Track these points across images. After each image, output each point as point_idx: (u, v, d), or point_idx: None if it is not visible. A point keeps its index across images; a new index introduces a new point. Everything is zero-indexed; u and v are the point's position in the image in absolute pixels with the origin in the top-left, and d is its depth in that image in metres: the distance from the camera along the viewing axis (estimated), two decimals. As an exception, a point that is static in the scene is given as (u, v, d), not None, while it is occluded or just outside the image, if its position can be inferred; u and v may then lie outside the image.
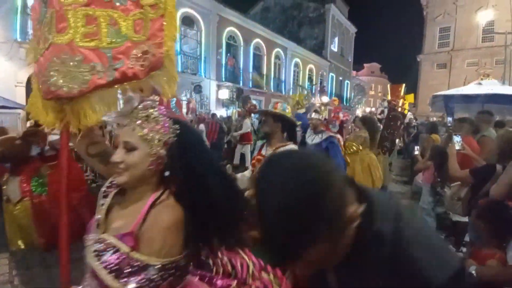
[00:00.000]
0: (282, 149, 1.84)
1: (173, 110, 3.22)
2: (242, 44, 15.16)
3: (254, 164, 2.05)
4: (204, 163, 0.83)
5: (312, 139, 3.45)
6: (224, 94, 13.55)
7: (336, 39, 24.10)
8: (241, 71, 15.21)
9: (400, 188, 6.27)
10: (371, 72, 43.66)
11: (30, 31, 7.85)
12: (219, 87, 13.75)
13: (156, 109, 0.81)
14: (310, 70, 21.72)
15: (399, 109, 5.23)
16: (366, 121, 4.06)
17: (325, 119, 5.85)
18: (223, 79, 14.03)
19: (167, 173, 0.81)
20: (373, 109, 18.17)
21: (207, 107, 12.94)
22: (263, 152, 2.04)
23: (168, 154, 0.80)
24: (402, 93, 10.87)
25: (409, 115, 9.63)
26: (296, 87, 18.33)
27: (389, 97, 11.37)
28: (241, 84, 14.88)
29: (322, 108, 7.01)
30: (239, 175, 2.05)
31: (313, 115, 3.48)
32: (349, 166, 3.68)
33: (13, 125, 5.87)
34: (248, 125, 7.04)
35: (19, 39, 7.50)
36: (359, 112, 24.85)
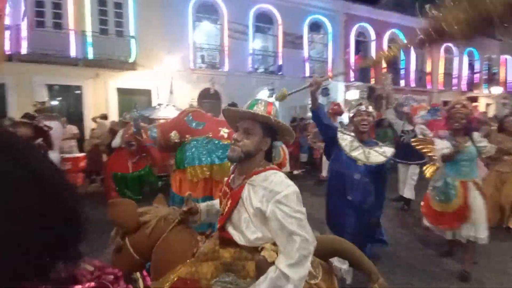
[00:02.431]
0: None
1: (192, 125, 2.59)
2: (373, 38, 13.84)
3: (220, 198, 1.32)
4: None
5: (367, 153, 2.09)
6: (354, 94, 12.73)
7: (514, 7, 17.66)
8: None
9: None
10: None
11: (199, 60, 10.39)
12: (347, 88, 13.08)
13: None
14: (470, 55, 16.89)
15: None
16: None
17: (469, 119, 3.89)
18: (352, 79, 13.26)
19: None
20: None
21: (335, 110, 12.60)
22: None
23: None
24: None
25: None
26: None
27: None
28: (372, 82, 13.54)
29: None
30: (203, 204, 1.47)
31: (362, 107, 2.11)
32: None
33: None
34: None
35: (192, 67, 10.04)
36: None
